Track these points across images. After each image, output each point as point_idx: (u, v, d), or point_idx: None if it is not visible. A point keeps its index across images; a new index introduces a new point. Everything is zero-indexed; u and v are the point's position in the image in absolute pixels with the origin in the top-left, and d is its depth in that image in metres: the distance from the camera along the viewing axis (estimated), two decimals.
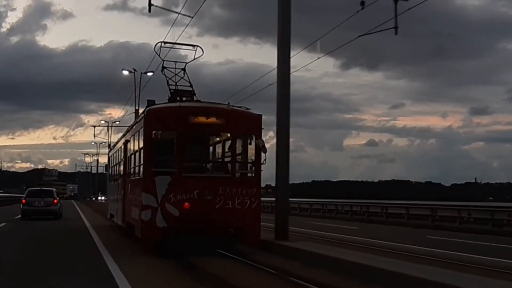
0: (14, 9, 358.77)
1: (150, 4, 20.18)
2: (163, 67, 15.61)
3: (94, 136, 45.40)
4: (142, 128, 13.08)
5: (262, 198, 13.46)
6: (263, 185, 14.40)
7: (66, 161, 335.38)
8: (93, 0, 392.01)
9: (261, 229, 13.35)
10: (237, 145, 13.42)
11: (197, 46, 16.16)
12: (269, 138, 20.80)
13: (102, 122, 48.94)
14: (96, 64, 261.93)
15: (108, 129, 50.47)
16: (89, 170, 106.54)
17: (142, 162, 13.08)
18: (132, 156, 15.23)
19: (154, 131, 12.99)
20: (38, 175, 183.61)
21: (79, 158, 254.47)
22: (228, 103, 13.69)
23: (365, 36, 14.98)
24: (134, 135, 14.91)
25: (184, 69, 15.58)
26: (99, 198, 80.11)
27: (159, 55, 16.16)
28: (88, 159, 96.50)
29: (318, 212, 41.78)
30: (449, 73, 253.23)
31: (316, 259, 11.01)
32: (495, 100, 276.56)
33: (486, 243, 19.58)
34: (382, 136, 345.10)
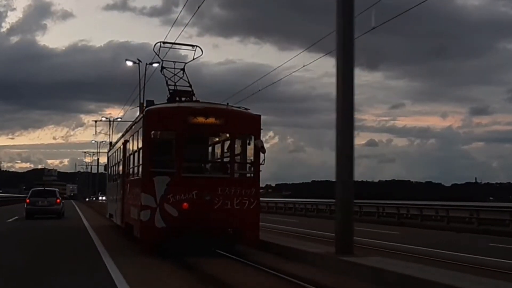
0: (14, 9, 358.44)
1: None
2: (162, 67, 15.63)
3: (96, 132, 44.75)
4: (141, 129, 13.09)
5: (263, 198, 13.46)
6: (263, 185, 14.39)
7: (66, 161, 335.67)
8: (93, 0, 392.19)
9: (327, 240, 13.52)
10: (236, 146, 13.42)
11: (197, 46, 16.18)
12: (269, 138, 20.86)
13: (104, 119, 46.72)
14: (96, 64, 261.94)
15: (110, 124, 48.96)
16: (89, 170, 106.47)
17: (141, 162, 13.09)
18: (131, 156, 15.23)
19: (153, 131, 12.99)
20: (38, 175, 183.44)
21: (78, 158, 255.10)
22: (227, 104, 13.71)
23: (365, 36, 14.90)
24: (133, 135, 14.91)
25: (183, 69, 15.60)
26: (100, 198, 79.55)
27: (158, 55, 16.20)
28: (88, 159, 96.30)
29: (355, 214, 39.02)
30: (449, 73, 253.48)
31: (403, 282, 8.38)
32: (495, 100, 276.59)
33: None
34: (382, 136, 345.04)
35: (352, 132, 11.13)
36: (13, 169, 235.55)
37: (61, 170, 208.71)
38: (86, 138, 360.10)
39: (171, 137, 13.17)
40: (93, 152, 78.41)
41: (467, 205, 33.87)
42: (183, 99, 14.49)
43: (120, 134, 22.28)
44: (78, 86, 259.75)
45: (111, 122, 47.05)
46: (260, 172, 13.25)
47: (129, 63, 32.90)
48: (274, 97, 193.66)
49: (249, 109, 13.79)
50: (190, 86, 15.13)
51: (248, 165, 13.56)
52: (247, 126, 13.32)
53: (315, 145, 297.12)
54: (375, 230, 24.78)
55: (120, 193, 17.22)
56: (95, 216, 33.29)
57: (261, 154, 13.08)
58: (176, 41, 18.08)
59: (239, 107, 13.97)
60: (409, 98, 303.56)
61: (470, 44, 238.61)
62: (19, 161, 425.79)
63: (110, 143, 31.68)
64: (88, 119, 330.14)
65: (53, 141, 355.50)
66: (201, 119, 12.73)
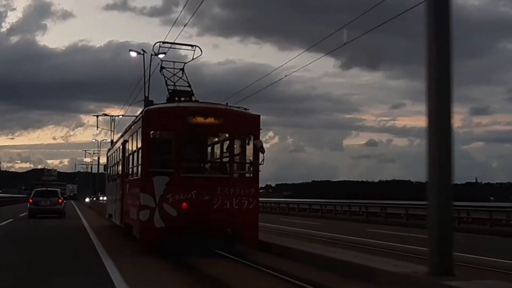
0: (14, 9, 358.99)
1: None
2: (162, 67, 15.63)
3: (97, 128, 42.58)
4: (141, 129, 13.09)
5: (264, 199, 13.43)
6: (263, 185, 14.37)
7: (65, 161, 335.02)
8: (93, 0, 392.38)
9: (379, 250, 13.49)
10: (235, 146, 13.42)
11: (196, 46, 16.19)
12: (269, 138, 20.88)
13: (104, 115, 45.04)
14: (96, 64, 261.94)
15: (111, 121, 47.42)
16: (88, 170, 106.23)
17: (140, 162, 13.08)
18: (131, 156, 15.23)
19: (152, 132, 12.99)
20: (37, 175, 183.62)
21: (78, 158, 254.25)
22: (227, 104, 13.71)
23: (365, 35, 14.86)
24: (132, 135, 14.91)
25: (182, 69, 15.60)
26: (101, 198, 78.54)
27: (157, 55, 16.21)
28: (88, 159, 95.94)
29: (376, 216, 33.94)
30: None
31: None
32: (495, 100, 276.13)
33: None
34: (382, 136, 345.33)
35: (451, 123, 8.73)
36: (12, 169, 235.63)
37: (61, 170, 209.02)
38: (86, 138, 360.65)
39: (171, 137, 13.18)
40: (93, 150, 77.52)
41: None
42: (182, 99, 14.49)
43: (120, 134, 22.29)
44: (78, 86, 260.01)
45: (113, 118, 45.26)
46: (260, 172, 13.26)
47: (133, 54, 31.13)
48: (274, 97, 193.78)
49: (248, 109, 13.80)
50: (190, 86, 15.13)
51: (247, 165, 13.54)
52: (246, 126, 13.31)
53: (315, 145, 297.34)
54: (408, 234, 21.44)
55: (120, 193, 17.21)
56: (95, 217, 33.27)
57: (261, 154, 13.07)
58: (176, 41, 18.13)
59: (238, 107, 13.97)
60: (409, 98, 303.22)
61: (470, 44, 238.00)
62: (19, 161, 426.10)
63: (112, 141, 31.13)
64: (88, 119, 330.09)
65: (53, 141, 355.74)
66: (200, 119, 12.72)
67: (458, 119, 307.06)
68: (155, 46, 16.27)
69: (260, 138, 13.19)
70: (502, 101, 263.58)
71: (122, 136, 18.46)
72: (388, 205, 35.79)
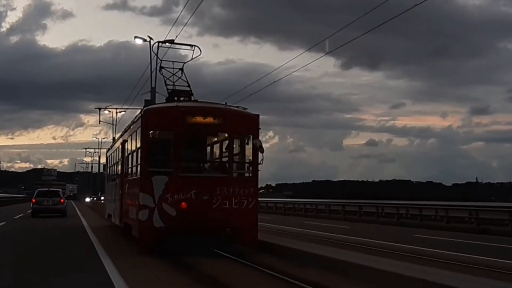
0: (14, 8, 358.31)
1: None
2: (161, 67, 15.63)
3: (99, 121, 41.11)
4: (140, 128, 13.08)
5: (265, 199, 13.38)
6: (263, 185, 14.30)
7: (65, 161, 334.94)
8: (93, 0, 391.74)
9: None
10: (234, 145, 13.42)
11: (195, 46, 16.20)
12: (269, 138, 20.83)
13: (106, 112, 43.23)
14: (96, 64, 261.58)
15: (114, 114, 45.96)
16: (88, 169, 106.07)
17: (139, 162, 13.07)
18: (130, 156, 15.22)
19: (151, 131, 12.98)
20: (37, 175, 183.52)
21: (78, 158, 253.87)
22: (226, 103, 13.70)
23: (365, 35, 14.83)
24: (131, 135, 14.90)
25: (182, 69, 15.60)
26: (102, 198, 77.34)
27: (157, 55, 16.21)
28: (88, 159, 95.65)
29: (392, 217, 31.38)
30: (449, 72, 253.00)
31: None
32: (495, 100, 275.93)
33: None
34: (382, 136, 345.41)
35: None
36: (12, 169, 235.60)
37: (61, 170, 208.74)
38: (86, 138, 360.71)
39: (170, 137, 13.16)
40: (94, 149, 76.83)
41: None
42: (181, 98, 14.48)
43: (119, 134, 22.27)
44: (78, 86, 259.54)
45: (117, 111, 43.78)
46: (259, 172, 13.25)
47: (139, 41, 28.63)
48: (274, 97, 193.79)
49: (247, 108, 13.79)
50: (189, 86, 15.13)
51: (246, 165, 13.53)
52: (245, 126, 13.30)
53: (315, 145, 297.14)
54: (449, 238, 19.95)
55: (119, 193, 17.20)
56: (94, 217, 33.26)
57: (260, 154, 13.06)
58: (176, 41, 18.12)
59: (237, 107, 13.96)
60: (409, 97, 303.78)
61: (470, 44, 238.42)
62: (18, 161, 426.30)
63: (113, 138, 30.67)
64: (88, 119, 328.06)
65: (53, 141, 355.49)
66: (199, 119, 12.72)
67: (458, 119, 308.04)
68: (154, 46, 16.28)
69: (260, 138, 13.19)
70: (502, 101, 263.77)
71: (121, 136, 18.45)
72: (423, 206, 31.91)
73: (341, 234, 20.43)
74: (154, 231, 12.12)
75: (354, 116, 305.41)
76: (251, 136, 13.16)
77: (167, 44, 17.96)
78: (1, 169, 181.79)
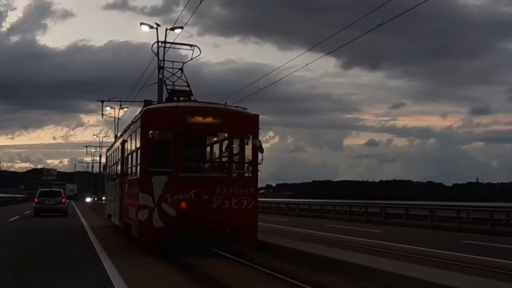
0: (15, 8, 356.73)
1: None
2: (161, 67, 15.64)
3: (102, 115, 39.36)
4: (139, 128, 13.08)
5: (275, 200, 13.34)
6: (263, 185, 14.23)
7: (65, 161, 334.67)
8: (94, 0, 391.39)
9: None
10: (234, 145, 13.41)
11: (195, 45, 16.22)
12: (269, 138, 20.84)
13: (108, 108, 41.60)
14: (96, 64, 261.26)
15: (117, 112, 45.00)
16: (89, 169, 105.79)
17: (139, 162, 13.07)
18: (129, 156, 15.22)
19: (151, 131, 12.98)
20: (37, 175, 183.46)
21: (78, 158, 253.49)
22: (225, 103, 13.70)
23: (366, 35, 14.83)
24: (131, 135, 14.90)
25: (181, 69, 15.62)
26: (103, 198, 75.84)
27: (156, 55, 16.22)
28: (88, 159, 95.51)
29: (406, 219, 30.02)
30: (449, 72, 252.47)
31: None
32: (495, 100, 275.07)
33: None
34: (382, 136, 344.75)
35: None
36: (12, 169, 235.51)
37: (61, 170, 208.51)
38: (86, 138, 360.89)
39: (169, 137, 13.16)
40: (96, 147, 76.09)
41: None
42: (181, 98, 14.49)
43: (119, 134, 22.26)
44: (78, 86, 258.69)
45: (120, 105, 42.48)
46: (259, 172, 13.25)
47: (145, 28, 26.64)
48: (274, 97, 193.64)
49: (247, 108, 13.79)
50: (189, 85, 15.14)
51: (246, 165, 13.53)
52: (245, 126, 13.30)
53: (315, 145, 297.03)
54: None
55: (119, 193, 17.20)
56: (94, 217, 33.28)
57: (259, 154, 13.06)
58: (176, 41, 18.17)
59: (237, 107, 13.97)
60: (410, 97, 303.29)
61: (471, 44, 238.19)
62: (18, 161, 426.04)
63: (115, 136, 30.29)
64: (88, 118, 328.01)
65: (53, 141, 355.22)
66: (199, 119, 12.72)
67: (458, 119, 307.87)
68: (153, 45, 16.29)
69: (260, 138, 13.19)
70: (503, 101, 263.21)
71: (121, 136, 18.46)
72: (457, 207, 29.42)
73: (377, 239, 18.42)
74: (154, 231, 12.13)
75: (354, 116, 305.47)
76: (250, 136, 13.16)
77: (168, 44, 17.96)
78: (1, 169, 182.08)
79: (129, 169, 15.15)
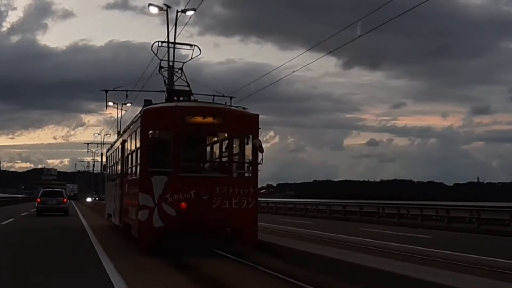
0: (15, 8, 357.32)
1: None
2: (161, 67, 15.64)
3: (106, 106, 37.20)
4: (139, 128, 13.07)
5: (267, 199, 13.32)
6: (264, 184, 14.15)
7: (66, 161, 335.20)
8: None
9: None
10: (234, 145, 13.41)
11: (195, 45, 16.21)
12: (269, 137, 20.89)
13: (111, 103, 38.83)
14: (97, 64, 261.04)
15: (121, 106, 43.88)
16: (89, 169, 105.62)
17: (139, 162, 13.07)
18: (129, 156, 15.22)
19: (151, 131, 12.98)
20: (37, 175, 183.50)
21: (79, 158, 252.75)
22: (225, 103, 13.71)
23: (367, 35, 14.80)
24: (131, 135, 14.89)
25: (181, 69, 15.61)
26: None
27: (156, 55, 16.20)
28: (89, 158, 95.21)
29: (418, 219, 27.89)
30: (450, 72, 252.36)
31: None
32: (496, 100, 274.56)
33: None
34: (382, 135, 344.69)
35: None
36: (12, 169, 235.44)
37: (61, 170, 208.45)
38: (86, 138, 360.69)
39: (169, 137, 13.15)
40: (97, 144, 75.72)
41: None
42: (181, 98, 14.48)
43: (118, 134, 22.25)
44: (78, 86, 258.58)
45: (126, 92, 40.97)
46: (259, 172, 13.23)
47: (154, 10, 24.71)
48: (274, 97, 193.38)
49: (247, 108, 13.78)
50: (188, 85, 15.13)
51: (246, 165, 13.52)
52: (245, 126, 13.29)
53: (315, 145, 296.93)
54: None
55: (119, 193, 17.20)
56: (94, 217, 33.32)
57: (259, 154, 13.05)
58: (176, 41, 18.15)
59: (237, 107, 13.96)
60: (410, 97, 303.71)
61: (471, 44, 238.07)
62: (19, 161, 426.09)
63: (118, 132, 29.97)
64: (88, 118, 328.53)
65: (53, 141, 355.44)
66: (199, 119, 12.71)
67: (459, 118, 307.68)
68: (153, 45, 16.26)
69: (260, 138, 13.17)
70: (503, 100, 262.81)
71: (121, 135, 18.45)
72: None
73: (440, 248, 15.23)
74: (154, 231, 12.12)
75: (355, 116, 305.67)
76: (250, 136, 13.14)
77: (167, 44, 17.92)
78: (2, 169, 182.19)
79: (129, 169, 15.14)
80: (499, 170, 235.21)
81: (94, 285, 8.81)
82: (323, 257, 10.83)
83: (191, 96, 14.75)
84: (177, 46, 19.86)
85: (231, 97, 20.40)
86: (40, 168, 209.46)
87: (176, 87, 15.05)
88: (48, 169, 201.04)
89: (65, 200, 34.65)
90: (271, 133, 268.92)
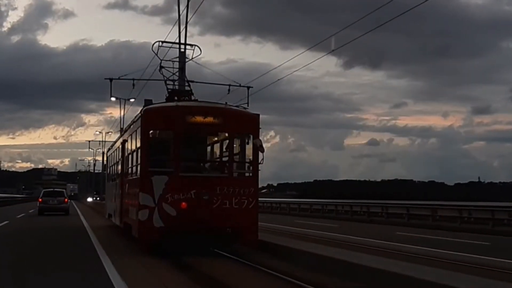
0: (16, 8, 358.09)
1: None
2: (161, 67, 15.62)
3: (111, 95, 35.05)
4: (139, 128, 13.06)
5: (267, 199, 13.28)
6: (264, 184, 14.08)
7: (66, 161, 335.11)
8: None
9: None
10: (234, 145, 13.39)
11: (195, 45, 16.19)
12: (270, 137, 20.70)
13: (113, 99, 37.43)
14: (97, 64, 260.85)
15: (122, 105, 43.08)
16: (90, 168, 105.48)
17: (139, 161, 13.05)
18: (130, 156, 15.20)
19: (151, 131, 12.96)
20: (37, 175, 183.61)
21: (79, 158, 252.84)
22: (226, 103, 13.68)
23: (367, 35, 14.78)
24: (131, 135, 14.88)
25: (182, 69, 15.59)
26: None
27: (157, 55, 16.16)
28: (89, 157, 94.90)
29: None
30: (451, 72, 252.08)
31: None
32: (496, 100, 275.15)
33: None
34: (383, 135, 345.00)
35: None
36: (13, 169, 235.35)
37: (62, 170, 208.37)
38: (87, 137, 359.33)
39: (169, 137, 13.13)
40: (99, 141, 75.41)
41: None
42: (181, 98, 14.45)
43: (119, 134, 22.23)
44: (79, 86, 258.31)
45: (132, 82, 39.79)
46: (259, 171, 13.21)
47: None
48: (275, 97, 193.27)
49: (247, 108, 13.76)
50: (189, 85, 15.11)
51: (246, 164, 13.50)
52: (245, 125, 13.27)
53: (316, 145, 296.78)
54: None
55: (119, 193, 17.18)
56: (95, 217, 33.31)
57: (260, 153, 13.03)
58: (177, 41, 18.09)
59: (237, 106, 13.94)
60: (411, 97, 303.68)
61: (472, 43, 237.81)
62: (19, 161, 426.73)
63: (121, 129, 29.64)
64: (89, 118, 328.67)
65: (54, 141, 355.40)
66: (199, 119, 12.69)
67: (460, 118, 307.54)
68: (154, 45, 16.22)
69: (261, 138, 13.16)
70: (504, 100, 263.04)
71: (121, 135, 18.44)
72: None
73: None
74: (154, 231, 12.10)
75: (356, 116, 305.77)
76: (251, 136, 13.13)
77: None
78: (2, 169, 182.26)
79: (130, 169, 15.13)
80: (499, 169, 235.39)
81: (94, 285, 8.79)
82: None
83: (192, 96, 14.73)
84: (177, 46, 19.80)
85: (248, 87, 19.89)
86: (41, 168, 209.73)
87: (176, 87, 15.02)
88: (49, 169, 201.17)
89: (66, 200, 35.46)
90: (272, 133, 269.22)
